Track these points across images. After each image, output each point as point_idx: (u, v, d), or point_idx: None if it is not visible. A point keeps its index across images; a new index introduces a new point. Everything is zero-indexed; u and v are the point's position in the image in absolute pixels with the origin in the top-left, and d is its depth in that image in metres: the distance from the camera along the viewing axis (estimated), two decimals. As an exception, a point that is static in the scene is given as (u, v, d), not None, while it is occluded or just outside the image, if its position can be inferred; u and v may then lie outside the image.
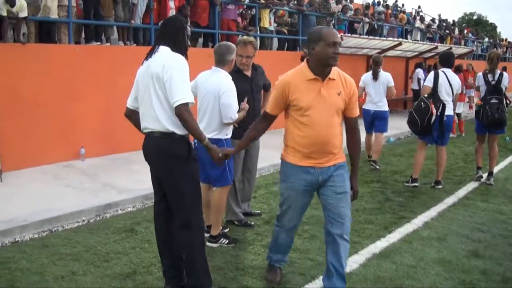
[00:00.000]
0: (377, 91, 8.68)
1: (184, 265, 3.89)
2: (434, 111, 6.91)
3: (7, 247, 5.07)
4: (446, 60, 7.40)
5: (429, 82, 7.19)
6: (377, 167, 8.61)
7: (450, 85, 7.09)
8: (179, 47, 3.72)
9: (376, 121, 8.69)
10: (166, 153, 3.65)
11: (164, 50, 3.67)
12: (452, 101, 7.19)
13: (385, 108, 8.72)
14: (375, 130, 8.77)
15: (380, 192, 7.13)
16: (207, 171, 4.97)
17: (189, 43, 3.96)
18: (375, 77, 8.74)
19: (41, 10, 8.63)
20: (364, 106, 8.73)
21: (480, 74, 7.76)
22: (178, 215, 3.79)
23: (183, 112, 3.49)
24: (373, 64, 9.04)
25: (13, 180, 7.29)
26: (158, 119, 3.62)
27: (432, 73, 7.30)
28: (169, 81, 3.52)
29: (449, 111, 7.13)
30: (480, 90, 7.76)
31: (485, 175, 7.90)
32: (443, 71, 7.18)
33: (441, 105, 7.00)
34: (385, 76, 8.77)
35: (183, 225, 3.76)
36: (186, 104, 3.52)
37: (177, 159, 3.63)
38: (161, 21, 3.97)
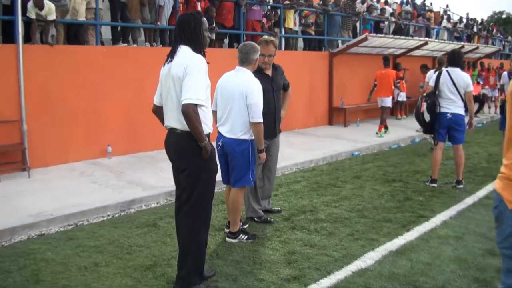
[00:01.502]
0: None
1: (179, 257, 3.99)
2: (423, 107, 7.17)
3: (33, 239, 5.28)
4: (452, 59, 7.40)
5: (431, 81, 7.42)
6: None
7: (454, 84, 7.10)
8: (198, 45, 3.81)
9: None
10: (185, 148, 3.79)
11: (184, 51, 3.76)
12: (462, 100, 7.17)
13: None
14: None
15: (401, 191, 7.15)
16: (230, 171, 5.06)
17: (209, 35, 4.00)
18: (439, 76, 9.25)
19: (69, 12, 8.88)
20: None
21: (505, 72, 8.01)
22: (185, 207, 3.91)
23: (189, 111, 3.57)
24: (438, 64, 10.23)
25: (41, 176, 7.56)
26: (180, 120, 3.74)
27: (436, 73, 7.46)
28: (185, 79, 3.62)
29: (457, 109, 7.15)
30: (504, 88, 7.90)
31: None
32: (447, 70, 7.22)
33: (431, 101, 7.17)
34: None
35: (186, 219, 3.90)
36: (195, 105, 3.60)
37: (195, 155, 3.76)
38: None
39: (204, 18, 3.90)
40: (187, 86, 3.61)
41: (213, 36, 11.32)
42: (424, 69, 14.32)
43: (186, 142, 3.77)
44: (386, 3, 20.50)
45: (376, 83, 12.74)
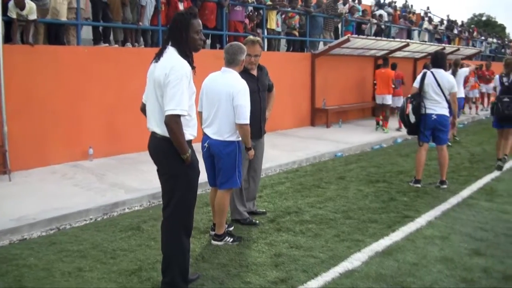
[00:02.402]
0: (460, 89, 10.78)
1: (163, 263, 3.95)
2: (408, 108, 7.32)
3: (15, 245, 5.15)
4: (435, 60, 7.47)
5: (416, 82, 7.46)
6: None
7: (439, 85, 7.15)
8: (183, 47, 3.69)
9: None
10: (165, 153, 3.73)
11: (170, 53, 3.67)
12: (447, 101, 7.23)
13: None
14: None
15: (385, 192, 7.16)
16: (217, 173, 5.01)
17: (202, 38, 3.87)
18: (454, 76, 10.39)
19: (50, 12, 8.74)
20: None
21: (497, 76, 8.67)
22: (166, 213, 3.87)
23: (171, 123, 3.51)
24: (453, 65, 11.31)
25: (22, 180, 7.41)
26: (160, 125, 3.68)
27: (420, 74, 7.52)
28: (167, 88, 3.52)
29: (442, 110, 7.22)
30: (496, 90, 8.70)
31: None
32: (431, 72, 7.28)
33: (416, 103, 7.25)
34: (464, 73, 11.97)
35: (167, 224, 3.86)
36: (178, 116, 3.52)
37: (174, 160, 3.69)
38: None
39: (197, 20, 3.74)
40: (169, 95, 3.51)
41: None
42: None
43: (165, 147, 3.69)
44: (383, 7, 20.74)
45: (375, 82, 13.53)
